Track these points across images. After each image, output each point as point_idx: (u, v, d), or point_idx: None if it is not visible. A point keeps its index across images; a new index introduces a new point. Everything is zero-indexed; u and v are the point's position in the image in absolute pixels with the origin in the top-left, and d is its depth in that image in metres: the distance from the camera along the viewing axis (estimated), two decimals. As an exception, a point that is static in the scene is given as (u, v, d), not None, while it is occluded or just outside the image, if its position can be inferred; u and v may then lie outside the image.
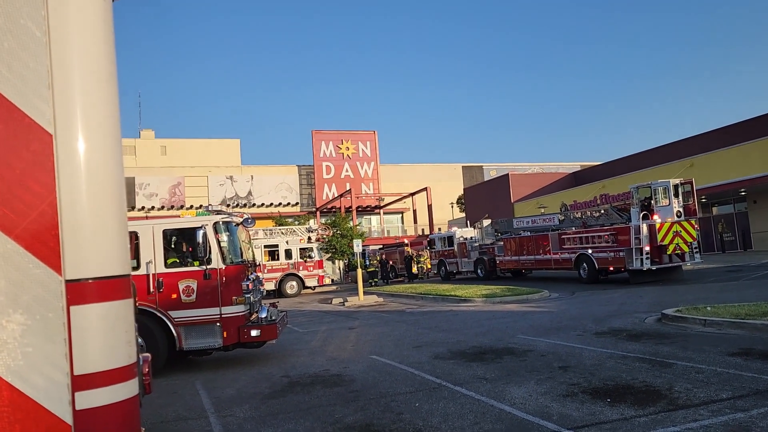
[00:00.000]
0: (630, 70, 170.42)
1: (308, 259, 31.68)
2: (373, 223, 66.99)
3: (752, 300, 12.61)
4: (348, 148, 66.88)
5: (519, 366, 8.25)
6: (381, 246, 47.09)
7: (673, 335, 9.82)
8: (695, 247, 20.77)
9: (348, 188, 58.72)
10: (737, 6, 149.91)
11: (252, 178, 62.38)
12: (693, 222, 20.76)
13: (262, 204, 61.66)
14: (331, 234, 36.06)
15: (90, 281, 2.20)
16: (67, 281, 2.16)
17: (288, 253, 31.41)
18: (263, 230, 33.24)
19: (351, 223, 43.32)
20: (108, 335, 2.22)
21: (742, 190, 31.11)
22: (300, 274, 31.29)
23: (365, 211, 65.58)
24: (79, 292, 2.17)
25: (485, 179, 69.10)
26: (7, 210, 2.05)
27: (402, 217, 69.28)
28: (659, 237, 19.78)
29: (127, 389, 2.25)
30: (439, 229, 52.72)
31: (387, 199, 63.01)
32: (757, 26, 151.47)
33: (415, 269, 37.35)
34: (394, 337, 12.25)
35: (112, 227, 2.28)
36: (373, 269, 35.92)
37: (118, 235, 2.30)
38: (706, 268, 23.81)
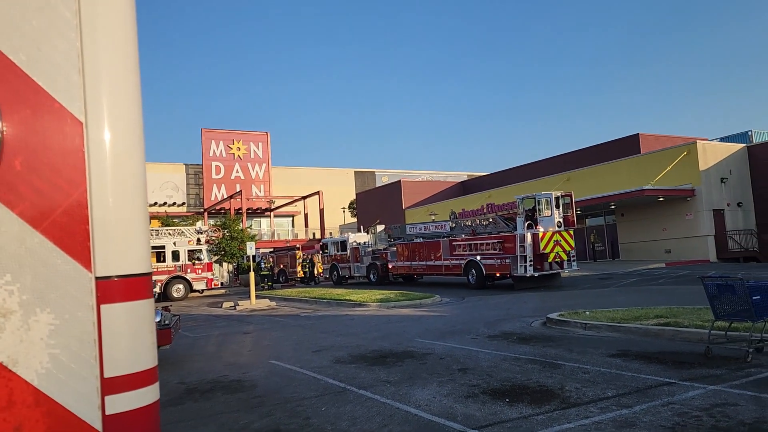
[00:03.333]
0: (519, 85, 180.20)
1: (197, 262, 30.52)
2: (263, 226, 65.76)
3: (623, 305, 13.77)
4: (239, 149, 65.26)
5: (420, 369, 8.44)
6: (272, 249, 46.35)
7: (558, 338, 10.48)
8: (572, 256, 22.32)
9: (238, 189, 57.31)
10: (620, 28, 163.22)
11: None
12: (571, 232, 22.29)
13: (146, 202, 58.55)
14: (220, 236, 34.96)
15: (119, 279, 2.06)
16: (97, 278, 2.01)
17: (175, 255, 30.08)
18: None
19: (241, 226, 42.29)
20: (136, 336, 2.10)
21: (612, 204, 33.86)
22: (188, 277, 30.07)
23: (255, 213, 64.31)
24: (110, 289, 2.03)
25: (377, 185, 70.10)
26: (33, 202, 1.89)
27: (293, 221, 68.59)
28: (542, 245, 21.04)
29: (153, 393, 2.14)
30: (331, 233, 52.79)
31: (278, 202, 62.14)
32: (633, 50, 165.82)
33: (300, 273, 37.12)
34: (293, 342, 12.10)
35: (139, 223, 2.16)
36: (267, 272, 35.29)
37: (144, 231, 2.18)
38: (581, 276, 25.67)
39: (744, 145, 34.29)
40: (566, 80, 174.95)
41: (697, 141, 32.27)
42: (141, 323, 2.14)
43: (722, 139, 39.40)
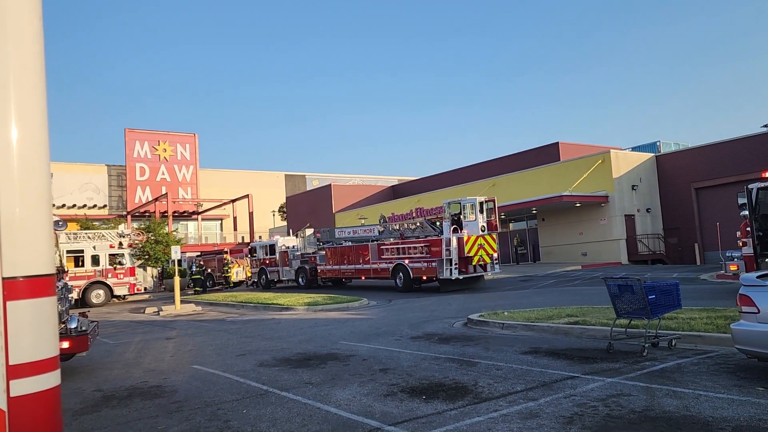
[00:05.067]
0: (446, 92, 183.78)
1: (118, 266, 29.51)
2: (190, 230, 64.19)
3: (540, 305, 14.48)
4: (165, 150, 63.53)
5: (342, 370, 8.63)
6: (199, 253, 45.33)
7: (477, 337, 10.94)
8: (496, 259, 23.12)
9: (164, 192, 55.68)
10: (541, 38, 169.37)
11: (52, 176, 56.29)
12: (494, 236, 23.10)
13: (63, 205, 56.04)
14: (144, 240, 33.89)
15: (24, 279, 2.28)
16: (4, 278, 2.23)
17: (95, 259, 28.98)
18: (66, 234, 30.23)
19: (167, 229, 41.12)
20: (38, 329, 2.34)
21: (534, 209, 35.28)
22: (108, 282, 29.02)
23: (182, 216, 62.68)
24: (16, 288, 2.26)
25: (308, 188, 69.88)
26: None
27: (221, 224, 67.32)
28: (466, 249, 21.71)
29: (54, 378, 2.39)
30: (260, 237, 52.20)
31: (206, 205, 60.81)
32: (555, 60, 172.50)
33: (234, 277, 36.63)
34: (216, 346, 12.02)
35: (44, 228, 2.36)
36: (198, 277, 34.59)
37: (48, 236, 2.39)
38: (504, 278, 26.61)
39: (653, 154, 36.57)
40: (491, 89, 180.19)
41: (611, 150, 34.17)
42: (43, 318, 2.36)
43: (633, 149, 41.86)
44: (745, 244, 15.48)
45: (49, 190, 2.44)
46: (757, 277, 6.77)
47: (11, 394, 2.23)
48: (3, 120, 2.21)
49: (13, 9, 2.24)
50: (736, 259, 17.16)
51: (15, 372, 2.25)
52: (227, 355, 10.78)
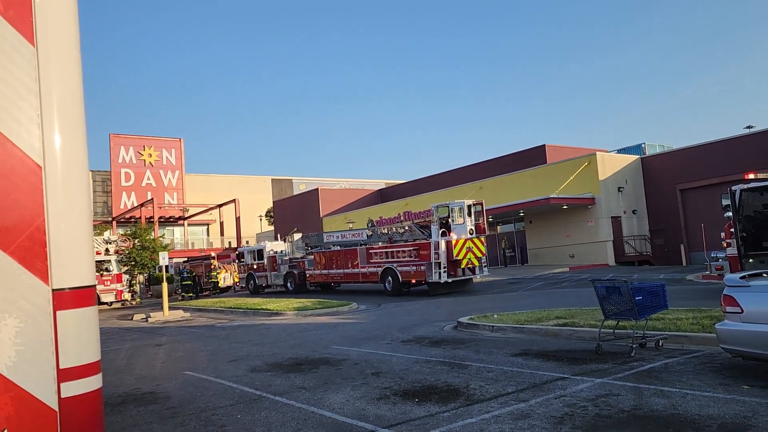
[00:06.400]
0: (435, 93, 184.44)
1: (105, 273, 29.32)
2: (176, 235, 63.85)
3: (530, 308, 14.63)
4: (150, 155, 63.19)
5: (335, 374, 8.69)
6: (186, 259, 45.12)
7: (467, 340, 11.04)
8: (484, 262, 23.27)
9: (150, 197, 55.36)
10: (529, 42, 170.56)
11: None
12: (482, 239, 23.25)
13: (48, 211, 55.36)
14: (131, 246, 33.71)
15: (70, 290, 2.55)
16: (54, 290, 2.50)
17: (81, 266, 28.75)
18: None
19: (153, 235, 40.92)
20: (83, 335, 2.60)
21: (521, 211, 35.54)
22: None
23: (168, 222, 62.34)
24: (64, 299, 2.52)
25: (295, 193, 69.81)
26: (3, 231, 2.36)
27: (208, 229, 67.05)
28: (455, 252, 21.85)
29: (97, 381, 2.64)
30: (247, 242, 52.08)
31: (192, 210, 60.54)
32: (541, 62, 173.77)
33: (221, 282, 36.54)
34: (208, 352, 12.02)
35: (86, 246, 2.65)
36: (188, 282, 34.47)
37: (90, 250, 2.68)
38: (493, 281, 26.78)
39: (638, 156, 36.99)
40: (479, 91, 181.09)
41: (597, 152, 34.53)
42: (88, 325, 2.63)
43: (619, 151, 42.31)
44: (729, 245, 15.75)
45: (89, 209, 2.70)
46: (741, 277, 6.93)
47: (62, 396, 2.47)
48: (51, 159, 2.53)
49: (54, 19, 2.54)
50: (720, 260, 17.45)
51: (65, 375, 2.49)
52: (219, 360, 10.79)
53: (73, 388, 2.50)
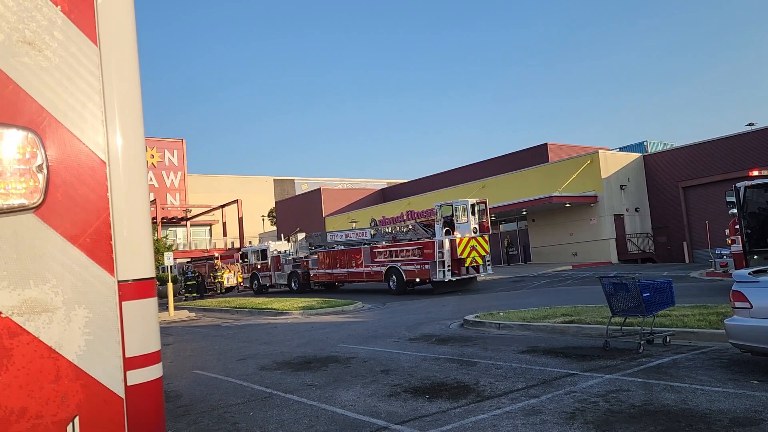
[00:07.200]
0: (436, 92, 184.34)
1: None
2: (179, 236, 63.90)
3: (534, 306, 14.66)
4: (153, 156, 63.19)
5: (344, 372, 8.74)
6: (189, 259, 45.22)
7: (474, 338, 11.09)
8: (488, 260, 23.31)
9: (152, 198, 55.42)
10: (532, 41, 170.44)
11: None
12: (486, 238, 23.29)
13: (51, 213, 55.46)
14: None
15: (134, 282, 2.67)
16: (119, 281, 2.60)
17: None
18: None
19: (156, 235, 41.01)
20: (146, 325, 2.72)
21: (524, 210, 35.56)
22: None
23: (171, 222, 62.40)
24: (128, 290, 2.63)
25: (297, 193, 69.87)
26: (71, 224, 2.50)
27: (210, 230, 67.11)
28: (459, 251, 21.88)
29: (158, 370, 2.75)
30: (250, 242, 52.09)
31: (195, 211, 60.59)
32: (544, 60, 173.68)
33: (225, 282, 36.61)
34: (215, 351, 12.07)
35: (147, 240, 2.78)
36: (193, 282, 34.56)
37: (150, 245, 2.81)
38: (496, 279, 26.82)
39: (640, 154, 36.99)
40: (480, 90, 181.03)
41: (599, 150, 34.53)
42: (150, 315, 2.75)
43: (621, 149, 42.29)
44: (734, 241, 15.79)
45: (149, 204, 2.82)
46: (750, 273, 6.97)
47: (128, 383, 2.59)
48: (115, 155, 2.65)
49: (115, 20, 2.69)
50: (725, 257, 17.48)
51: (130, 364, 2.60)
52: (227, 359, 10.85)
53: (138, 376, 2.61)
